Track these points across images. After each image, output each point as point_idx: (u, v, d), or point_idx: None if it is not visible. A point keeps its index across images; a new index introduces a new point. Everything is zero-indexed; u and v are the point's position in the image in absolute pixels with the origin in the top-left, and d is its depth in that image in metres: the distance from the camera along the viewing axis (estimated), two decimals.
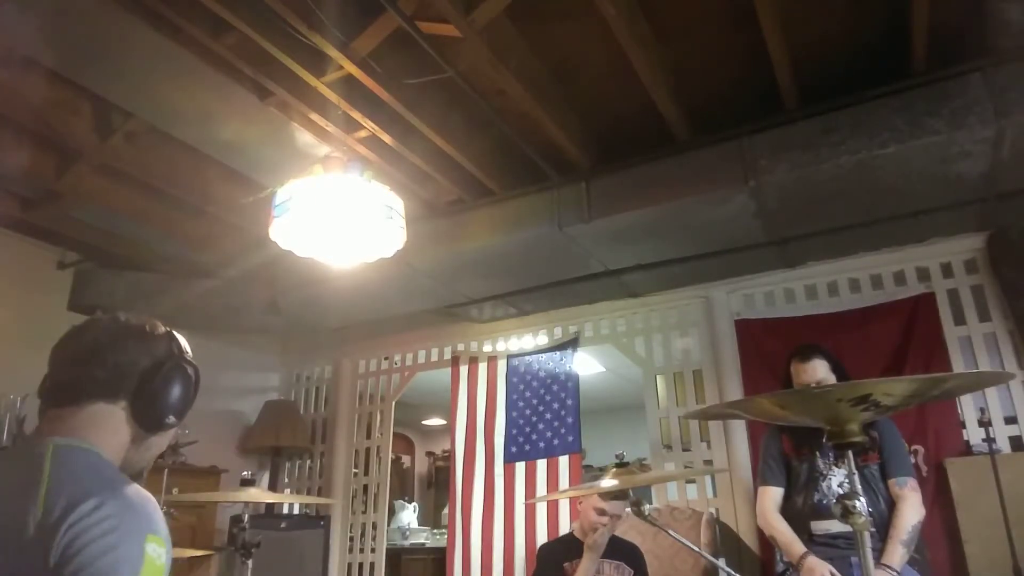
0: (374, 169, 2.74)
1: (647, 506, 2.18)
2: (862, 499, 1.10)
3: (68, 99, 2.60)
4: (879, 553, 2.23)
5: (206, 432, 4.17)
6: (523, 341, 4.24)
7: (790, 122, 2.72)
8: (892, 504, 2.35)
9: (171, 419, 1.12)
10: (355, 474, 4.49)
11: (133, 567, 0.91)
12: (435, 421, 7.97)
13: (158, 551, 0.95)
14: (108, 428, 1.06)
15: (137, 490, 1.00)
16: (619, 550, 2.70)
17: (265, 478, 4.54)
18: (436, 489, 7.94)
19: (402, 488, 7.67)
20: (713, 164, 2.83)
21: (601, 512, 2.57)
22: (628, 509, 2.17)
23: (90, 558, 0.88)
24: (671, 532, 1.92)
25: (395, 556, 5.65)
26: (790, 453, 2.56)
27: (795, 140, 2.69)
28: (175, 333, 1.19)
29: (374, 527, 4.35)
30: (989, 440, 2.65)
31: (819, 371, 2.49)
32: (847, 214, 3.02)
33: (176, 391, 1.12)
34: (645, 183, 2.97)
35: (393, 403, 4.53)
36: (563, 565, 2.66)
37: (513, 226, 3.21)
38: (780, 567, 2.49)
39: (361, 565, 4.29)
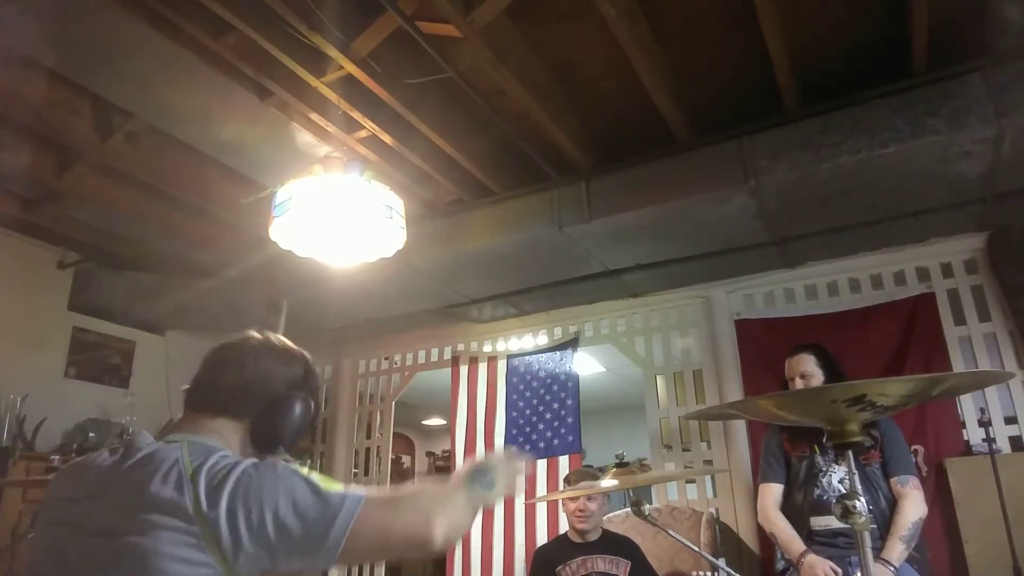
0: (374, 169, 2.74)
1: (647, 506, 2.18)
2: (862, 499, 1.10)
3: (68, 99, 2.61)
4: (879, 550, 2.23)
5: None
6: (523, 341, 4.24)
7: (790, 122, 2.73)
8: (894, 503, 2.34)
9: (282, 448, 1.19)
10: (355, 474, 4.49)
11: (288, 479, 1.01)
12: (435, 421, 7.97)
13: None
14: (232, 441, 1.16)
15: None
16: (612, 544, 2.71)
17: None
18: None
19: None
20: (713, 164, 2.83)
21: (575, 499, 2.60)
22: (628, 509, 2.18)
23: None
24: (671, 532, 1.92)
25: None
26: (789, 450, 2.56)
27: (795, 140, 2.69)
28: (309, 360, 1.27)
29: None
30: (989, 440, 2.65)
31: (803, 364, 2.51)
32: (847, 214, 3.01)
33: (295, 420, 1.19)
34: (645, 183, 2.97)
35: (393, 403, 4.53)
36: (556, 569, 2.67)
37: (513, 226, 3.21)
38: (780, 565, 2.49)
39: (361, 565, 4.29)
